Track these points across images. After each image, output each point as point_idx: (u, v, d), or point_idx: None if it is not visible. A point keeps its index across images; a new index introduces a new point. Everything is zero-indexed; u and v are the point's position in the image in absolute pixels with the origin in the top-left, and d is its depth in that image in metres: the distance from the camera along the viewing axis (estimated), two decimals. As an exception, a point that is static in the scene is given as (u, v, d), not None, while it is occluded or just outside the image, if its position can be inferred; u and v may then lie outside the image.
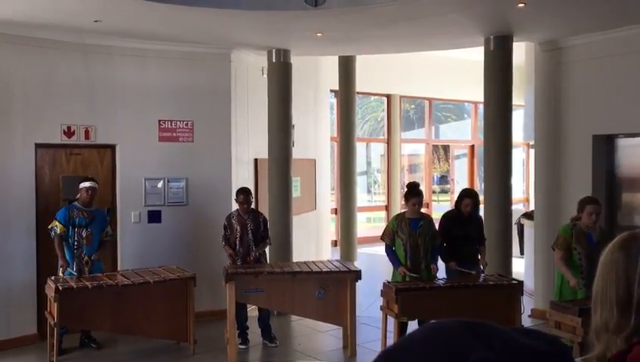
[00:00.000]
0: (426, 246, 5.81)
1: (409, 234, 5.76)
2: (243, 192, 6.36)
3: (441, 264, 6.02)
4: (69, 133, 6.73)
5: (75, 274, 5.90)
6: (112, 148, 7.08)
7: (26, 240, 6.42)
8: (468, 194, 6.09)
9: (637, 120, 6.49)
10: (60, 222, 6.06)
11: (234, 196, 6.59)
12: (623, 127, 6.74)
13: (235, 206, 6.57)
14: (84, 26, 6.26)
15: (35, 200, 6.53)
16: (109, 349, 6.33)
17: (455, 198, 6.36)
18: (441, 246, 5.95)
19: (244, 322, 6.37)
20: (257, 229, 6.34)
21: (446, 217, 6.19)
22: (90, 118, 6.85)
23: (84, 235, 6.11)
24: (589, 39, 6.78)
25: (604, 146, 6.99)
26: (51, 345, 5.60)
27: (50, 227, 6.10)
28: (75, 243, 6.09)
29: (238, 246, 6.27)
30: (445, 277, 5.99)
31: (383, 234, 6.03)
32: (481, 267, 6.05)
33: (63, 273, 5.99)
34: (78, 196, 6.22)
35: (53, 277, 5.74)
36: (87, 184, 6.20)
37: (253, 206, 6.63)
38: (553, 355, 0.61)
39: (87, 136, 6.84)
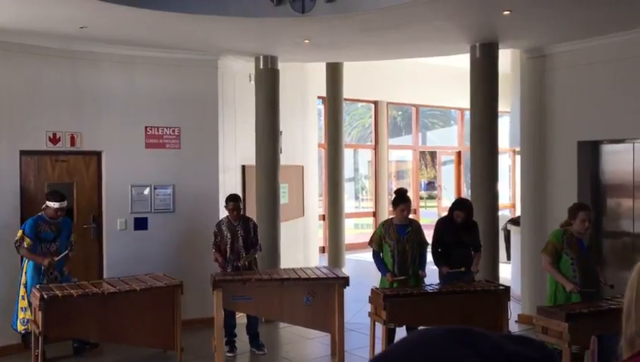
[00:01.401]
0: (414, 253, 5.83)
1: (397, 240, 5.77)
2: (232, 199, 6.34)
3: (434, 270, 6.03)
4: (54, 139, 6.68)
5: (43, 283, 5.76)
6: (98, 154, 7.04)
7: (10, 247, 6.33)
8: (459, 206, 6.06)
9: (621, 126, 6.56)
10: (27, 236, 5.86)
11: (221, 203, 6.56)
12: (607, 133, 6.81)
13: (222, 212, 6.54)
14: (71, 32, 6.23)
15: (20, 207, 6.46)
16: (94, 358, 6.26)
17: (442, 204, 6.40)
18: (435, 252, 5.97)
19: (233, 329, 6.34)
20: (247, 236, 6.32)
21: (439, 223, 6.24)
22: (75, 124, 6.80)
23: (52, 250, 5.94)
24: (574, 46, 6.86)
25: (590, 152, 7.05)
26: (35, 355, 5.53)
27: (16, 239, 5.88)
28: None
29: (228, 254, 6.25)
30: (438, 282, 6.00)
31: (370, 240, 6.04)
32: (472, 272, 6.05)
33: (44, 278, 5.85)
34: (44, 207, 5.99)
35: (38, 286, 5.67)
36: (56, 205, 5.90)
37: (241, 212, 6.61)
38: (541, 361, 0.61)
39: (72, 143, 6.79)
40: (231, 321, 6.28)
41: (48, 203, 5.96)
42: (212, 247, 6.33)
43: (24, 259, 5.98)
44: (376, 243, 5.88)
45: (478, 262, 6.06)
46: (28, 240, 5.86)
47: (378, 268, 5.89)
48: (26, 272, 5.93)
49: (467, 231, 6.00)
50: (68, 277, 6.10)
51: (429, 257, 6.01)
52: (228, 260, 6.24)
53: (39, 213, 6.02)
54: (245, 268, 6.24)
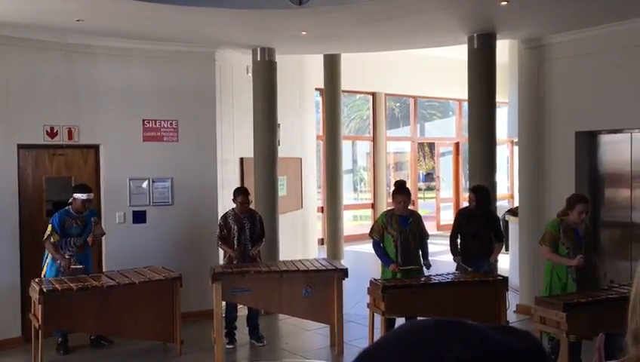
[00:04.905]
0: (416, 243, 5.86)
1: (400, 231, 5.79)
2: (242, 193, 6.32)
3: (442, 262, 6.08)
4: (52, 133, 6.66)
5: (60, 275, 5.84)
6: (96, 148, 7.03)
7: (9, 241, 6.34)
8: (471, 189, 6.30)
9: (619, 116, 6.56)
10: (55, 231, 5.93)
11: (219, 195, 6.56)
12: (605, 123, 6.80)
13: (221, 205, 6.54)
14: (67, 25, 6.20)
15: (18, 201, 6.45)
16: (94, 351, 6.28)
17: (440, 196, 6.44)
18: (451, 241, 6.07)
19: (233, 322, 6.35)
20: (254, 229, 6.33)
21: (459, 213, 6.47)
22: (73, 118, 6.78)
23: (78, 244, 6.01)
24: (572, 36, 6.84)
25: (587, 143, 7.05)
26: (36, 348, 5.55)
27: (47, 235, 5.92)
28: (68, 252, 5.96)
29: (235, 246, 6.24)
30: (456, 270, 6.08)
31: (371, 230, 6.04)
32: (490, 262, 6.10)
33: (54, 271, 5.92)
34: (71, 202, 6.06)
35: (37, 279, 5.68)
36: (83, 196, 6.00)
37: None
38: (529, 352, 0.61)
39: (70, 137, 6.78)
40: (232, 314, 6.29)
41: (75, 195, 6.03)
42: (217, 240, 6.32)
43: (46, 253, 6.00)
44: (378, 232, 5.89)
45: (495, 253, 6.11)
46: (56, 235, 5.91)
47: (380, 258, 5.90)
48: (47, 265, 5.96)
49: (486, 221, 6.02)
50: (90, 268, 6.15)
51: (431, 248, 6.05)
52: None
53: (65, 208, 6.06)
54: (254, 258, 6.27)
